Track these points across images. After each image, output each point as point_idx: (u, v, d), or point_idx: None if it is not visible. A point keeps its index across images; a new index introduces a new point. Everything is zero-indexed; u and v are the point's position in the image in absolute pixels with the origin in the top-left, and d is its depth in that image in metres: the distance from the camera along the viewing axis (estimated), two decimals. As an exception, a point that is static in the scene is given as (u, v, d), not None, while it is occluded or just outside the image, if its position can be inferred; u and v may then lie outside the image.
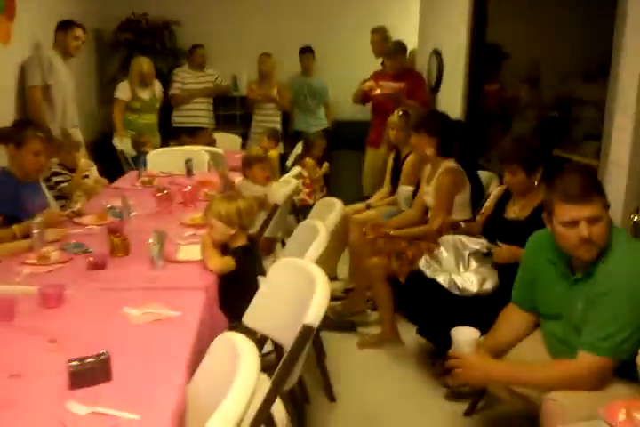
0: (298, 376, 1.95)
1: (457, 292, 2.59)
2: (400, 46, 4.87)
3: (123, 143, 5.21)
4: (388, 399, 2.78)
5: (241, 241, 2.48)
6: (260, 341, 2.14)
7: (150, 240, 2.35)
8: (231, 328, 2.06)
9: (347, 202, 3.49)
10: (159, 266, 2.35)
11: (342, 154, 5.94)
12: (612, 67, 2.67)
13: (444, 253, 2.73)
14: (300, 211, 4.62)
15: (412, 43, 5.34)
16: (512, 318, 2.18)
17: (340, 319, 3.47)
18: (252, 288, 2.25)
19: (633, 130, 2.50)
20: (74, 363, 1.47)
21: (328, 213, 2.96)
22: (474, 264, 2.64)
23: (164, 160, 4.59)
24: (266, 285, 2.21)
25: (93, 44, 5.91)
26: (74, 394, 1.46)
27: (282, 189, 3.62)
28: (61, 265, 2.37)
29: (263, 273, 2.52)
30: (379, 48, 5.19)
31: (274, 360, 2.11)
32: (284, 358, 1.79)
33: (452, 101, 4.48)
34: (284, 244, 3.73)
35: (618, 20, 2.62)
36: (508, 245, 2.61)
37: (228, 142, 5.75)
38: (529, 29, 4.08)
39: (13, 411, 1.40)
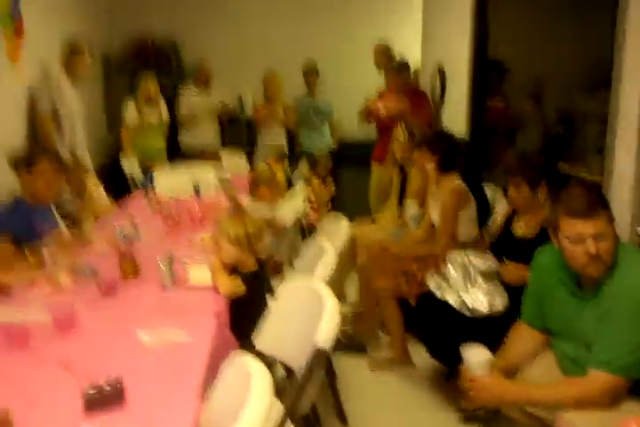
0: (311, 401, 1.94)
1: (467, 313, 2.58)
2: (404, 65, 4.92)
3: (131, 166, 5.26)
4: (401, 422, 2.76)
5: (250, 263, 2.49)
6: (269, 363, 2.14)
7: (161, 265, 2.37)
8: (242, 351, 2.07)
9: (352, 219, 3.49)
10: (170, 289, 2.37)
11: (348, 173, 5.97)
12: (614, 81, 2.69)
13: (451, 270, 2.73)
14: (305, 230, 4.64)
15: (415, 59, 5.39)
16: (522, 337, 2.17)
17: (350, 342, 3.46)
18: (262, 311, 2.26)
19: (637, 144, 2.52)
20: (89, 388, 1.49)
21: (335, 233, 2.98)
22: (481, 282, 2.64)
23: (172, 182, 4.62)
24: (275, 307, 2.22)
25: (100, 66, 5.99)
26: (89, 419, 1.47)
27: (290, 210, 3.64)
28: (73, 290, 2.39)
29: (273, 294, 2.53)
30: (381, 61, 5.24)
31: (284, 383, 2.12)
32: (296, 380, 1.79)
33: (455, 118, 4.51)
34: (292, 264, 3.74)
35: (617, 33, 2.65)
36: (515, 263, 2.61)
37: (234, 163, 5.78)
38: (531, 45, 4.12)
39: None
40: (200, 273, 2.53)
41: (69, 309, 2.02)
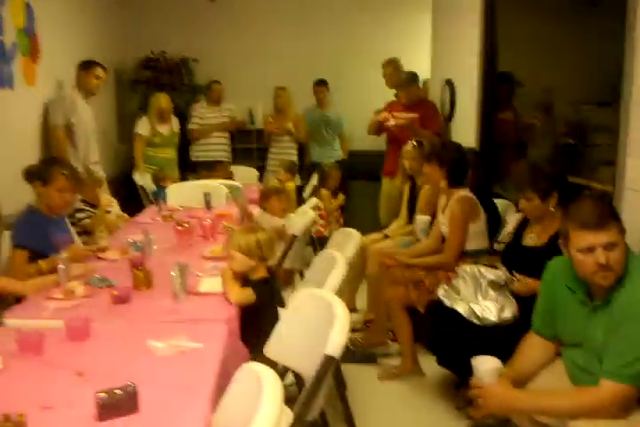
0: (320, 408, 1.96)
1: (476, 321, 2.59)
2: (413, 77, 4.93)
3: (143, 178, 5.33)
4: (411, 432, 2.76)
5: (261, 273, 2.52)
6: (281, 372, 2.16)
7: (172, 273, 2.40)
8: (252, 359, 2.09)
9: (363, 232, 3.52)
10: (181, 298, 2.39)
11: (358, 184, 5.99)
12: (624, 92, 2.70)
13: (462, 282, 2.74)
14: (316, 242, 4.66)
15: (424, 73, 5.42)
16: (533, 347, 2.17)
17: (360, 351, 3.46)
18: (272, 320, 2.28)
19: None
20: (102, 395, 1.50)
21: (346, 244, 3.00)
22: (492, 293, 2.64)
23: (183, 194, 4.67)
24: (286, 316, 2.24)
25: (114, 82, 6.08)
26: (102, 425, 1.49)
27: (300, 220, 3.67)
28: (86, 299, 2.42)
29: (283, 305, 2.55)
30: (392, 80, 5.27)
31: (295, 392, 2.13)
32: (306, 388, 1.80)
33: (465, 130, 4.53)
34: (302, 275, 3.76)
35: (627, 47, 2.67)
36: (524, 276, 2.62)
37: (245, 176, 5.84)
38: (541, 56, 4.14)
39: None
40: (211, 284, 2.56)
41: (84, 320, 2.04)
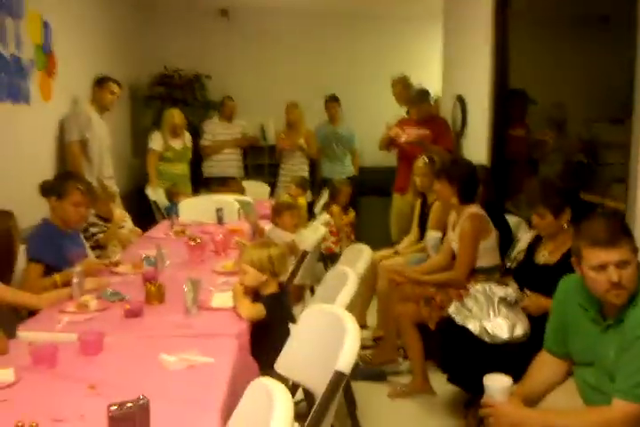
0: (330, 424, 1.95)
1: (487, 339, 2.57)
2: (423, 94, 4.96)
3: (156, 193, 5.37)
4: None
5: (272, 288, 2.53)
6: (291, 388, 2.15)
7: (184, 287, 2.41)
8: (263, 375, 2.09)
9: (374, 248, 3.52)
10: (193, 313, 2.40)
11: (369, 200, 6.01)
12: (635, 110, 2.71)
13: (473, 299, 2.73)
14: (326, 258, 4.66)
15: (435, 89, 5.45)
16: (545, 366, 2.15)
17: (370, 368, 3.44)
18: (282, 335, 2.29)
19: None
20: (114, 408, 1.51)
21: (357, 260, 3.00)
22: (504, 310, 2.63)
23: (195, 209, 4.70)
24: (297, 332, 2.24)
25: (128, 98, 6.15)
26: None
27: (311, 235, 3.68)
28: (99, 313, 2.44)
29: (293, 320, 2.56)
30: (402, 97, 5.30)
31: (305, 408, 2.12)
32: (316, 404, 1.80)
33: (477, 147, 4.53)
34: (313, 291, 3.76)
35: (637, 64, 2.68)
36: (536, 294, 2.61)
37: (256, 191, 5.87)
38: (553, 73, 4.16)
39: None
40: (223, 299, 2.57)
41: (97, 335, 2.06)
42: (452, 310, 2.74)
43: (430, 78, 5.75)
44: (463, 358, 2.66)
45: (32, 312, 2.54)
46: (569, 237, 2.58)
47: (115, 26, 5.73)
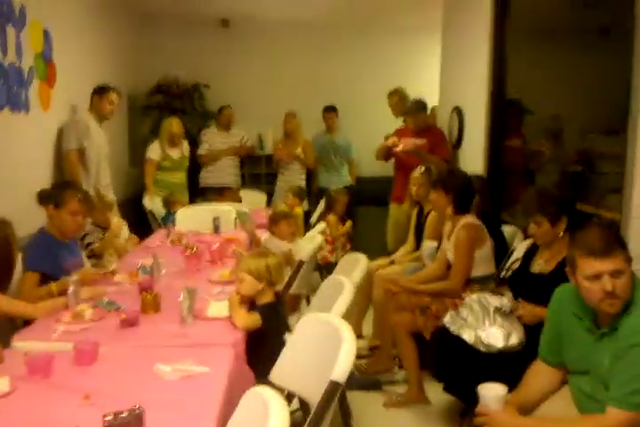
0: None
1: (482, 348, 2.57)
2: (420, 105, 4.98)
3: (153, 203, 5.38)
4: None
5: (268, 297, 2.53)
6: (287, 398, 2.15)
7: (181, 297, 2.41)
8: (259, 384, 2.08)
9: (371, 257, 3.53)
10: (189, 322, 2.40)
11: (366, 210, 6.02)
12: (630, 121, 2.73)
13: (468, 308, 2.73)
14: (322, 268, 4.66)
15: (432, 100, 5.48)
16: (540, 375, 2.16)
17: (365, 378, 3.44)
18: (278, 345, 2.29)
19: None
20: (109, 418, 1.51)
21: (353, 269, 3.00)
22: (499, 319, 2.64)
23: (192, 218, 4.71)
24: (292, 341, 2.24)
25: (126, 106, 6.17)
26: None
27: (308, 245, 3.68)
28: (95, 322, 2.44)
29: (289, 330, 2.56)
30: (397, 109, 5.34)
31: (301, 418, 2.12)
32: (311, 414, 1.80)
33: (473, 157, 4.56)
34: (308, 301, 3.76)
35: (635, 75, 2.70)
36: (529, 304, 2.61)
37: (253, 200, 5.88)
38: (550, 85, 4.19)
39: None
40: (218, 309, 2.57)
41: (92, 345, 2.06)
42: (446, 319, 2.75)
43: (428, 90, 5.77)
44: (458, 367, 2.66)
45: (27, 322, 2.53)
46: (564, 245, 2.59)
47: (114, 35, 5.77)
